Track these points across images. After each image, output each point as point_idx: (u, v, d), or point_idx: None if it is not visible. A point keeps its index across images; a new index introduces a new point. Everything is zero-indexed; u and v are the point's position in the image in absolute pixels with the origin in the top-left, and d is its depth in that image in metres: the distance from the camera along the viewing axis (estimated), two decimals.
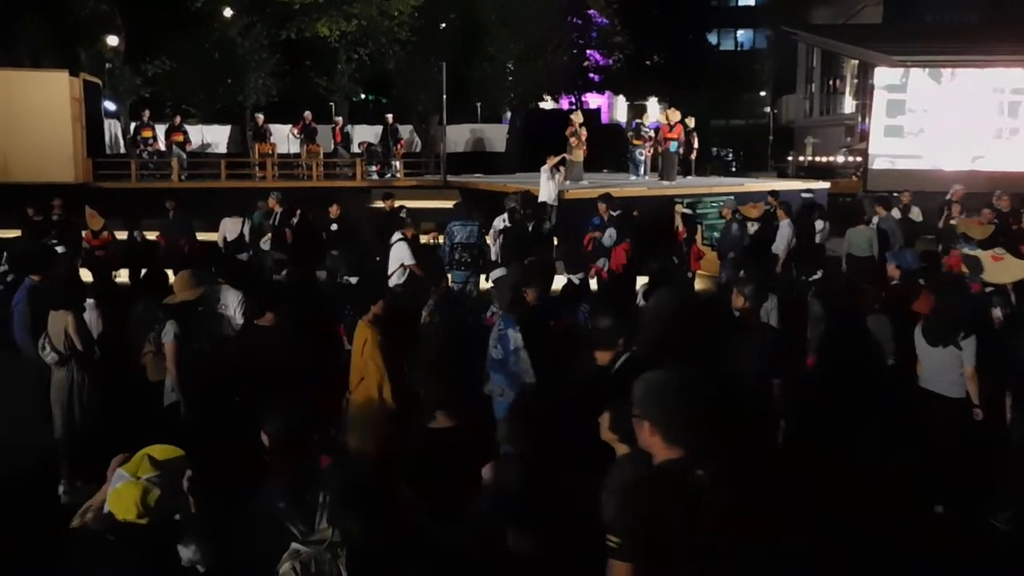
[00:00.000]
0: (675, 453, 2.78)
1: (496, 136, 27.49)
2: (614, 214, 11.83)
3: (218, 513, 3.23)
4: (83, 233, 12.33)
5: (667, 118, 19.49)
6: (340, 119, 23.00)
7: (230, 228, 13.06)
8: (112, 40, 22.89)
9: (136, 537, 2.93)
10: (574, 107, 31.10)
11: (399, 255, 9.81)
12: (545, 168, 14.70)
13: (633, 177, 19.89)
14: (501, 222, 11.79)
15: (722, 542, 2.71)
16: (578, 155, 17.95)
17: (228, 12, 22.96)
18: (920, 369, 6.24)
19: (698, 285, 12.87)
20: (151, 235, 12.89)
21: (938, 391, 6.06)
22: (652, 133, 20.87)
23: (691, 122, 20.44)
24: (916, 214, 13.21)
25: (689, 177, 20.36)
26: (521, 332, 5.82)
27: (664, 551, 2.66)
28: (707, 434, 2.78)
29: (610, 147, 24.99)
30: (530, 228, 11.85)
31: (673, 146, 18.84)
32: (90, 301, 7.17)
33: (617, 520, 2.74)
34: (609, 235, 11.42)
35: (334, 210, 12.47)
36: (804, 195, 15.39)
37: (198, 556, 3.08)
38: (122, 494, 2.93)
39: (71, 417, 6.05)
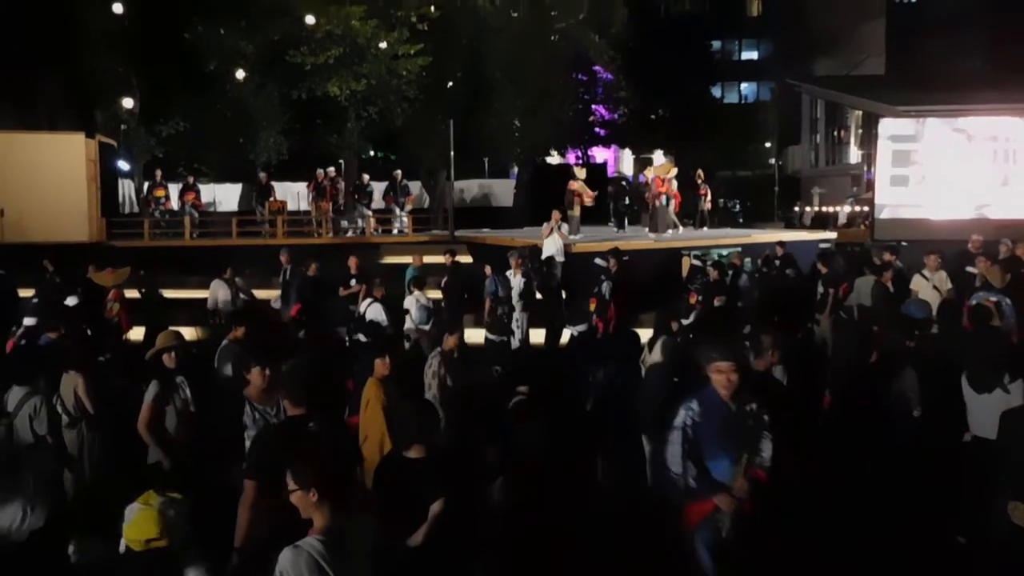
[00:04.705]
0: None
1: (503, 191, 27.73)
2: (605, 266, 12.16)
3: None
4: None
5: (664, 172, 19.61)
6: (367, 176, 23.18)
7: (221, 292, 12.60)
8: (127, 102, 23.32)
9: (157, 561, 3.11)
10: (580, 161, 31.43)
11: None
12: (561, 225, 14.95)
13: (617, 231, 19.94)
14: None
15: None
16: (575, 210, 18.19)
17: (240, 74, 23.41)
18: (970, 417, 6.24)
19: None
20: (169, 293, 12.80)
21: (991, 437, 5.97)
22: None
23: (702, 174, 20.73)
24: (942, 279, 11.47)
25: (702, 229, 20.59)
26: None
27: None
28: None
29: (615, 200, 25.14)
30: (536, 283, 11.96)
31: (664, 200, 19.00)
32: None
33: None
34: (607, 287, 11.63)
35: (352, 263, 12.35)
36: (822, 245, 15.56)
37: None
38: (139, 520, 3.14)
39: (82, 476, 6.06)
